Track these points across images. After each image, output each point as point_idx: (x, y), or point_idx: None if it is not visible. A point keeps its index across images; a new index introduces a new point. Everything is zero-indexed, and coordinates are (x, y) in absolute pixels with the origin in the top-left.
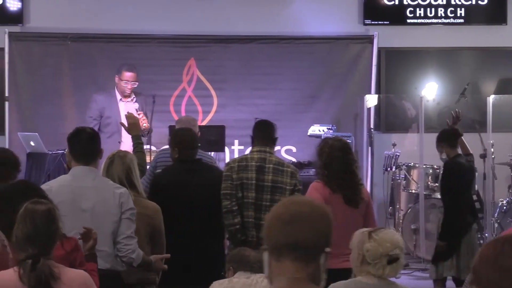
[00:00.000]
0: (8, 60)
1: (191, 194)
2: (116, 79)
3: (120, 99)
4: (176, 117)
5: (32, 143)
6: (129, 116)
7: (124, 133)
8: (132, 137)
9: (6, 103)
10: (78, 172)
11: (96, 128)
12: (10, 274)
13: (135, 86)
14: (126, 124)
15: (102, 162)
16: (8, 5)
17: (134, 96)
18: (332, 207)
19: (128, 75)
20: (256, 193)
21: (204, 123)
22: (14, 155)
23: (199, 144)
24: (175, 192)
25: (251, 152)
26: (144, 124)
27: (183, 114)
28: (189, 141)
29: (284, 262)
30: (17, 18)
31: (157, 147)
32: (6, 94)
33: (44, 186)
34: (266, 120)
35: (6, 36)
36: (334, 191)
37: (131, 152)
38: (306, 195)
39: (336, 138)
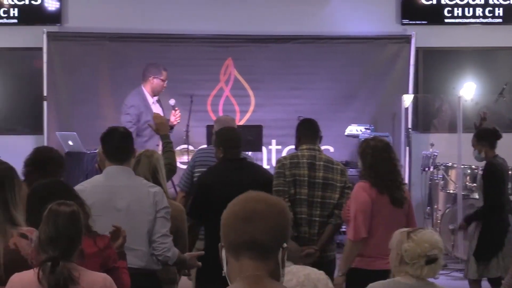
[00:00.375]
0: (47, 60)
1: (236, 193)
2: (151, 79)
3: (153, 102)
4: (213, 117)
5: (70, 143)
6: (156, 117)
7: None
8: (160, 137)
9: (45, 103)
10: (111, 172)
11: (134, 133)
12: (30, 275)
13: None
14: (153, 124)
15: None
16: (46, 5)
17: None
18: (379, 208)
19: (165, 74)
20: (309, 189)
21: (241, 123)
22: (59, 154)
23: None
24: (220, 191)
25: (301, 149)
26: (178, 120)
27: (220, 113)
28: (234, 140)
29: (243, 261)
30: (55, 17)
31: (194, 146)
32: (45, 94)
33: (78, 187)
34: (310, 119)
35: (45, 36)
36: (381, 191)
37: (158, 152)
38: (352, 195)
39: (377, 138)
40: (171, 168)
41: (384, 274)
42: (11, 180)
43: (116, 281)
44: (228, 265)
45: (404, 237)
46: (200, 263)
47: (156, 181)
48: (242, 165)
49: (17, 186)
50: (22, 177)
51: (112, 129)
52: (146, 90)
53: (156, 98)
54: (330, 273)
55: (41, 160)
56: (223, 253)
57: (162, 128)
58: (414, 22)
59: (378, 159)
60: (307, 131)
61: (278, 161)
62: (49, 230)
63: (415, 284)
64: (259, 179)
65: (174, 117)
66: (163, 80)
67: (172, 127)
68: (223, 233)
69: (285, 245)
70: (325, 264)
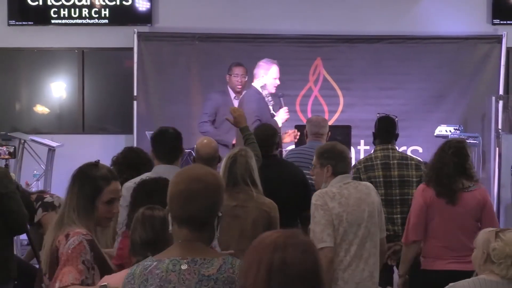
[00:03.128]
0: (137, 60)
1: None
2: (227, 77)
3: (234, 97)
4: (302, 117)
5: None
6: (234, 110)
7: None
8: (240, 130)
9: (135, 102)
10: (161, 170)
11: (209, 124)
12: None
13: (245, 79)
14: (231, 118)
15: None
16: (137, 5)
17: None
18: (437, 210)
19: (237, 69)
20: (385, 189)
21: (330, 123)
22: (148, 156)
23: (277, 141)
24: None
25: (375, 151)
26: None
27: (309, 114)
28: (264, 138)
29: (183, 230)
30: (146, 18)
31: (282, 146)
32: (135, 93)
33: (128, 183)
34: (387, 116)
35: (135, 36)
36: (438, 193)
37: (249, 150)
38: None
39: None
40: (258, 160)
41: (446, 274)
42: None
43: None
44: (172, 227)
45: (492, 236)
46: None
47: (252, 179)
48: (271, 162)
49: (80, 187)
50: None
51: (163, 130)
52: (229, 87)
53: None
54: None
55: (133, 160)
56: (170, 218)
57: (241, 120)
58: (505, 22)
59: (436, 160)
60: (382, 130)
61: (353, 167)
62: (146, 233)
63: (500, 281)
64: (287, 177)
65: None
66: (236, 76)
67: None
68: (170, 206)
69: (219, 213)
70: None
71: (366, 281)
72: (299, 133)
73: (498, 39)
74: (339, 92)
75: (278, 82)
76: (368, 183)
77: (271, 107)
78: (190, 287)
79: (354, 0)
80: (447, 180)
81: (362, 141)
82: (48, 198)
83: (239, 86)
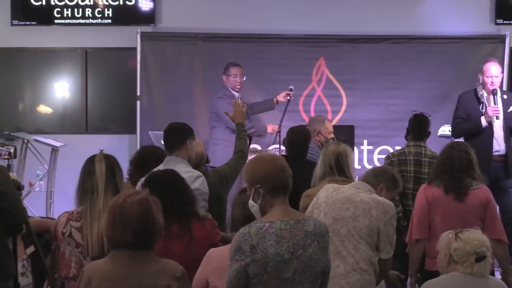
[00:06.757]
0: (140, 60)
1: None
2: (224, 77)
3: (238, 97)
4: (305, 117)
5: (162, 142)
6: (236, 104)
7: None
8: (236, 125)
9: (138, 102)
10: (169, 160)
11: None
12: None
13: (244, 79)
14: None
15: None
16: (140, 5)
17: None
18: (440, 208)
19: (235, 69)
20: (414, 184)
21: (333, 123)
22: (162, 153)
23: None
24: None
25: (408, 146)
26: (286, 98)
27: (312, 113)
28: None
29: (278, 197)
30: (149, 18)
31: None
32: (138, 93)
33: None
34: (422, 114)
35: (138, 36)
36: (445, 191)
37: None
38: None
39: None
40: (242, 156)
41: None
42: (119, 169)
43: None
44: (263, 200)
45: (453, 238)
46: None
47: (339, 165)
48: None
49: (122, 176)
50: (126, 176)
51: (169, 124)
52: (229, 87)
53: (238, 95)
54: None
55: (143, 160)
56: (261, 192)
57: (240, 116)
58: (508, 22)
59: (445, 156)
60: (415, 128)
61: (387, 157)
62: (246, 211)
63: (469, 276)
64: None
65: (285, 95)
66: (233, 76)
67: (277, 101)
68: (264, 181)
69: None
70: None
71: (339, 279)
72: None
73: (501, 39)
74: (342, 92)
75: (493, 80)
76: (385, 201)
77: (485, 104)
78: (299, 241)
79: (358, 0)
80: (459, 174)
81: (365, 141)
82: None
83: (238, 86)
